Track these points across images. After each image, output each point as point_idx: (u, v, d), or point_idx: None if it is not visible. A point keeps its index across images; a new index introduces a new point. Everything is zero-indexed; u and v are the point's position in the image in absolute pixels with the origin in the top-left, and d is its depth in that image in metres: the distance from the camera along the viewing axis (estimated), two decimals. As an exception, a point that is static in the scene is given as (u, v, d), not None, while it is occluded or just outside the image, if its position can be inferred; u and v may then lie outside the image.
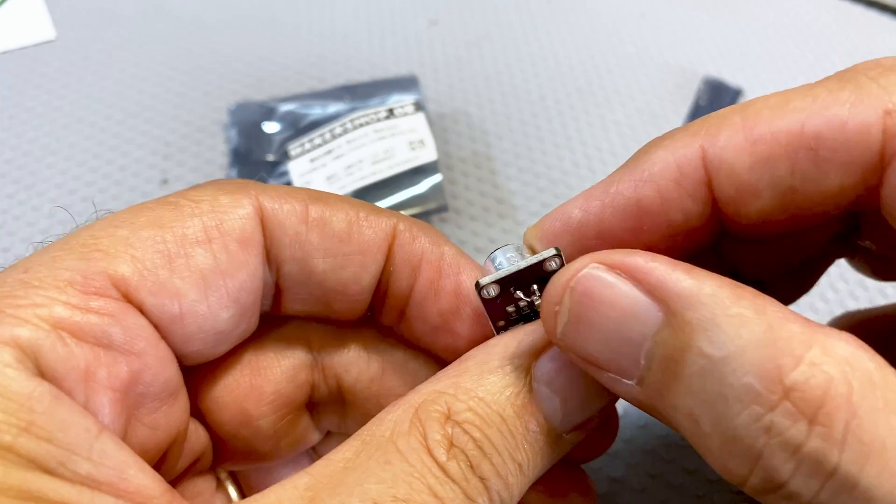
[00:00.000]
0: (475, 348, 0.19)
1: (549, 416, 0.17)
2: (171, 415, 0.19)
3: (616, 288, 0.16)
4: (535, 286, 0.19)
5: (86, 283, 0.16)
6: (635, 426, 0.33)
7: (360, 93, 0.46)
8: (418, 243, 0.21)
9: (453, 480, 0.16)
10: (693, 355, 0.14)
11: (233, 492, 0.23)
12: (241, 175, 0.42)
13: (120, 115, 0.46)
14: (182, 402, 0.19)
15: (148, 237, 0.18)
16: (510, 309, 0.19)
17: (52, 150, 0.44)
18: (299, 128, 0.44)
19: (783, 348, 0.14)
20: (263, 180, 0.42)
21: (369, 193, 0.39)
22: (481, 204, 0.42)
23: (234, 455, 0.22)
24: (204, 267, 0.18)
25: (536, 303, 0.19)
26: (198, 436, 0.21)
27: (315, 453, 0.24)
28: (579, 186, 0.43)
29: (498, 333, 0.20)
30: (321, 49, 0.51)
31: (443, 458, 0.16)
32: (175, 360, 0.18)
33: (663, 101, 0.48)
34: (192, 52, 0.50)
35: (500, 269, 0.19)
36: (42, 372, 0.15)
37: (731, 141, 0.17)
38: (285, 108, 0.45)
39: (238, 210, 0.19)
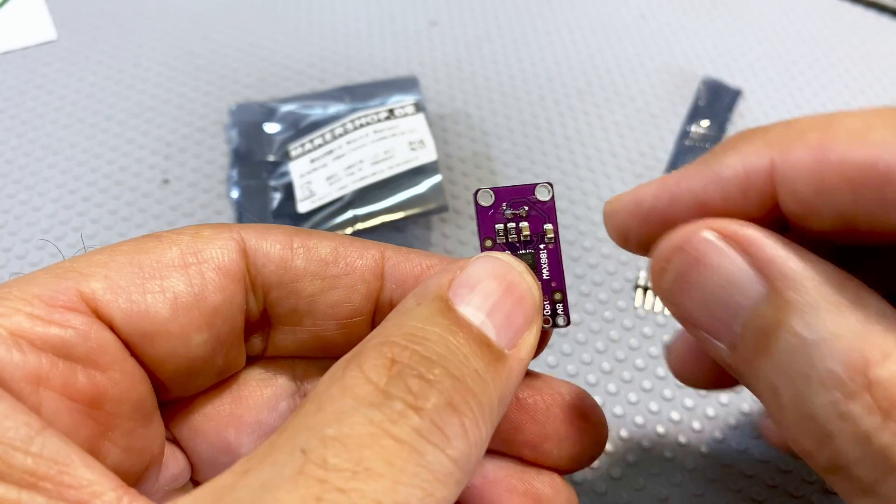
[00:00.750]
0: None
1: (483, 329, 0.17)
2: (145, 438, 0.18)
3: (725, 256, 0.17)
4: (524, 209, 0.20)
5: (53, 297, 0.16)
6: (633, 424, 0.33)
7: (360, 93, 0.46)
8: (413, 258, 0.21)
9: (395, 398, 0.14)
10: (786, 333, 0.15)
11: None
12: (242, 175, 0.42)
13: (121, 115, 0.46)
14: (157, 427, 0.19)
15: (124, 261, 0.18)
16: (499, 227, 0.21)
17: (53, 150, 0.44)
18: (300, 128, 0.44)
19: (874, 343, 0.14)
20: (265, 181, 0.42)
21: (369, 193, 0.40)
22: (481, 204, 0.42)
23: (214, 475, 0.22)
24: (177, 289, 0.18)
25: (523, 229, 0.20)
26: (175, 459, 0.20)
27: None
28: (579, 187, 0.43)
29: (482, 251, 0.20)
30: (322, 50, 0.51)
31: (383, 381, 0.15)
32: (147, 380, 0.18)
33: (663, 101, 0.48)
34: (192, 53, 0.50)
35: None
36: None
37: (802, 160, 0.16)
38: (286, 108, 0.45)
39: (218, 241, 0.19)
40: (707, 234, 0.17)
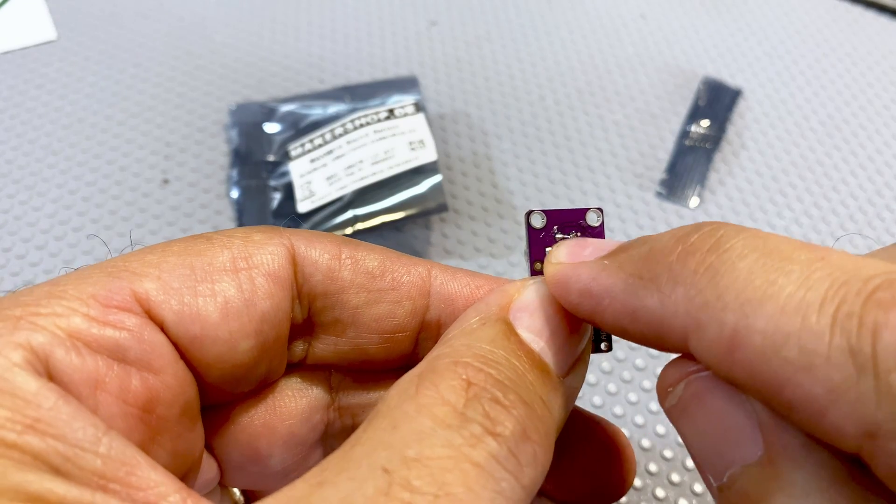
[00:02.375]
0: (451, 325, 0.19)
1: (542, 355, 0.17)
2: (190, 442, 0.18)
3: (730, 404, 0.15)
4: (575, 233, 0.20)
5: (108, 297, 0.16)
6: (634, 425, 0.33)
7: (360, 93, 0.46)
8: (460, 277, 0.21)
9: (472, 421, 0.14)
10: None
11: (236, 491, 0.23)
12: (242, 175, 0.42)
13: (120, 115, 0.46)
14: (200, 431, 0.19)
15: (176, 262, 0.18)
16: (549, 250, 0.20)
17: (53, 150, 0.44)
18: (300, 128, 0.44)
19: None
20: (265, 181, 0.42)
21: (369, 193, 0.40)
22: (481, 204, 0.42)
23: (241, 482, 0.22)
24: (228, 293, 0.18)
25: None
26: (209, 467, 0.20)
27: None
28: (579, 187, 0.43)
29: (532, 275, 0.20)
30: (321, 50, 0.51)
31: (460, 403, 0.15)
32: (195, 385, 0.18)
33: (663, 101, 0.48)
34: (192, 53, 0.50)
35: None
36: (52, 377, 0.15)
37: (711, 348, 0.15)
38: (286, 108, 0.45)
39: (269, 246, 0.19)
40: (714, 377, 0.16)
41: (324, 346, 0.21)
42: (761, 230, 0.15)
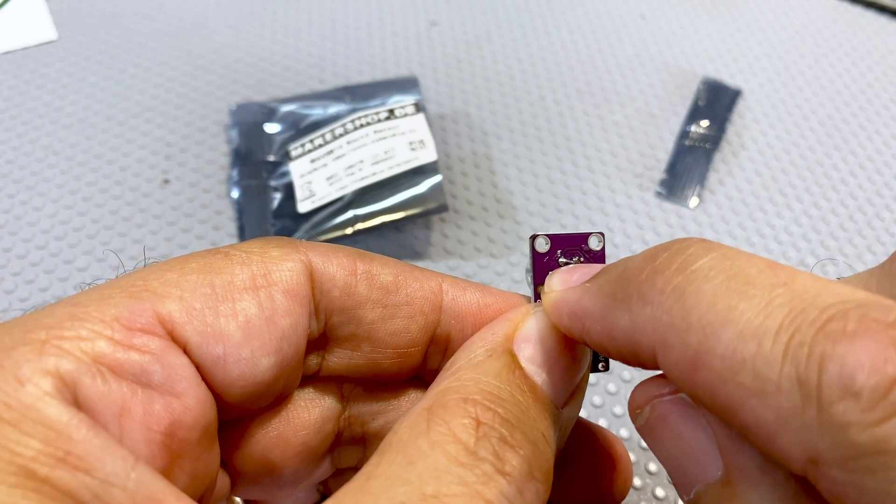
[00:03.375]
0: (455, 353, 0.19)
1: (543, 388, 0.18)
2: (208, 462, 0.18)
3: (690, 428, 0.16)
4: (577, 258, 0.21)
5: (131, 320, 0.16)
6: (632, 424, 0.33)
7: (360, 93, 0.46)
8: (470, 293, 0.21)
9: (484, 460, 0.15)
10: None
11: (239, 501, 0.23)
12: (243, 175, 0.42)
13: (121, 115, 0.46)
14: (217, 451, 0.19)
15: (196, 280, 0.18)
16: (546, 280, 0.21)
17: (53, 150, 0.44)
18: (300, 128, 0.44)
19: None
20: (265, 181, 0.42)
21: (369, 193, 0.40)
22: (481, 204, 0.42)
23: (251, 494, 0.22)
24: (249, 312, 0.18)
25: None
26: (222, 482, 0.20)
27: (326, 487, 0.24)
28: (578, 187, 0.43)
29: (535, 300, 0.21)
30: (322, 50, 0.51)
31: (471, 441, 0.15)
32: (215, 406, 0.18)
33: (662, 101, 0.48)
34: (192, 53, 0.50)
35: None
36: (79, 405, 0.15)
37: (676, 364, 0.15)
38: (286, 108, 0.45)
39: (286, 262, 0.19)
40: (682, 398, 0.16)
41: (338, 360, 0.21)
42: (731, 248, 0.15)
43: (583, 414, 0.23)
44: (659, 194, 0.43)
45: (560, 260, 0.21)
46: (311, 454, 0.21)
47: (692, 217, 0.42)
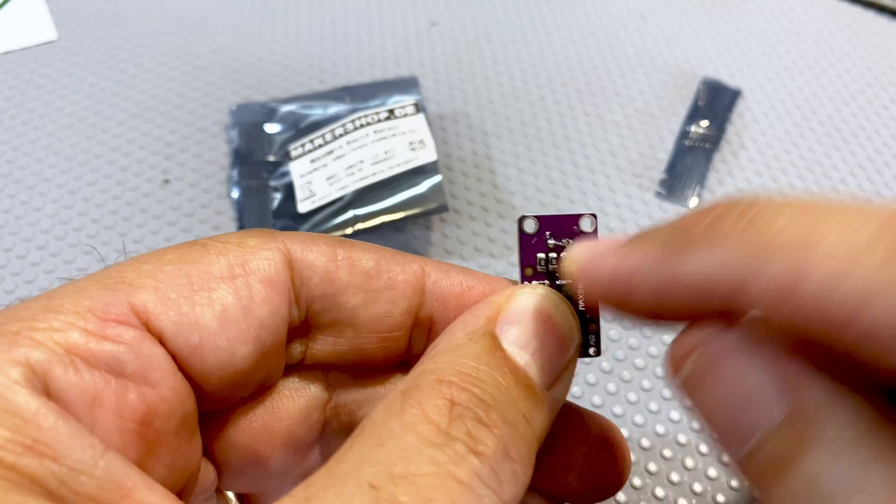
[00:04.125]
0: (437, 338, 0.19)
1: (527, 369, 0.17)
2: (189, 454, 0.18)
3: (749, 366, 0.15)
4: (566, 240, 0.20)
5: (105, 311, 0.16)
6: (633, 424, 0.33)
7: (360, 93, 0.46)
8: (454, 276, 0.21)
9: (456, 440, 0.15)
10: (801, 471, 0.14)
11: (232, 496, 0.23)
12: (243, 175, 0.42)
13: (121, 115, 0.46)
14: (197, 441, 0.19)
15: (172, 271, 0.18)
16: (540, 256, 0.20)
17: (53, 150, 0.44)
18: (300, 128, 0.44)
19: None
20: (265, 181, 0.42)
21: (369, 193, 0.40)
22: (481, 204, 0.42)
23: (238, 486, 0.22)
24: (225, 301, 0.18)
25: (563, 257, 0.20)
26: (207, 473, 0.20)
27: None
28: (579, 187, 0.43)
29: (522, 282, 0.20)
30: (322, 50, 0.51)
31: (444, 422, 0.15)
32: (193, 396, 0.18)
33: (662, 101, 0.48)
34: (192, 53, 0.50)
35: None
36: (50, 394, 0.15)
37: (769, 292, 0.14)
38: (286, 108, 0.45)
39: (264, 251, 0.19)
40: (735, 337, 0.15)
41: (321, 347, 0.21)
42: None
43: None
44: (659, 194, 0.43)
45: (549, 242, 0.20)
46: (297, 444, 0.21)
47: (692, 217, 0.42)
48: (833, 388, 0.14)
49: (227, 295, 0.18)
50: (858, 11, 0.55)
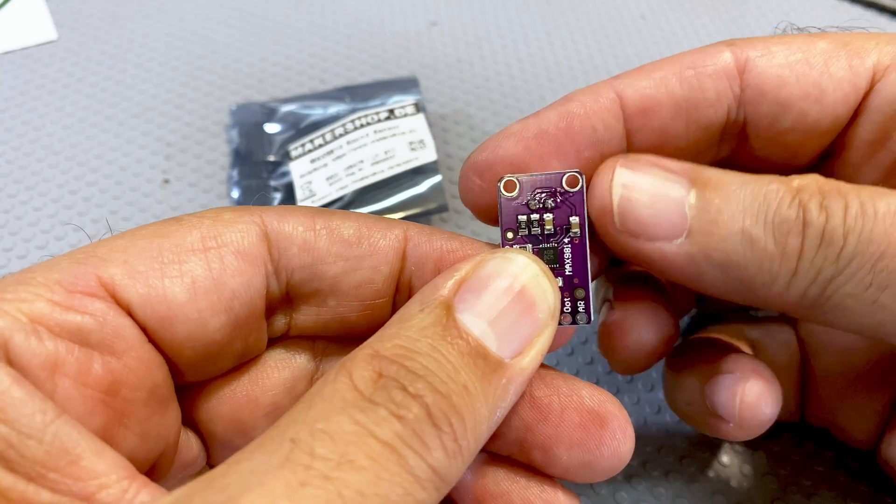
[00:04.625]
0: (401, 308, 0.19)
1: (482, 338, 0.17)
2: (161, 424, 0.18)
3: (643, 176, 0.20)
4: (551, 200, 0.20)
5: (73, 283, 0.17)
6: (634, 424, 0.33)
7: (360, 93, 0.46)
8: (435, 239, 0.21)
9: (379, 405, 0.15)
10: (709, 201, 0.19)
11: None
12: (243, 175, 0.42)
13: (121, 115, 0.46)
14: (173, 413, 0.19)
15: (144, 245, 0.18)
16: (521, 218, 0.20)
17: (53, 150, 0.44)
18: (300, 128, 0.44)
19: (770, 183, 0.19)
20: (265, 181, 0.42)
21: (369, 194, 0.40)
22: (481, 204, 0.42)
23: (226, 458, 0.22)
24: (195, 273, 0.18)
25: (547, 222, 0.20)
26: (189, 446, 0.20)
27: None
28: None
29: (503, 245, 0.20)
30: (322, 50, 0.51)
31: (369, 391, 0.15)
32: (164, 367, 0.18)
33: (663, 101, 0.48)
34: (193, 53, 0.50)
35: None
36: (11, 361, 0.15)
37: None
38: (286, 108, 0.45)
39: (238, 224, 0.19)
40: (622, 163, 0.20)
41: (305, 318, 0.21)
42: None
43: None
44: (659, 194, 0.43)
45: (531, 203, 0.19)
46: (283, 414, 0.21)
47: (692, 217, 0.42)
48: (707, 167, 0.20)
49: (197, 267, 0.18)
50: (858, 11, 0.55)
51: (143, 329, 0.18)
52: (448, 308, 0.17)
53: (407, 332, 0.17)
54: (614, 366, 0.26)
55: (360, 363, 0.16)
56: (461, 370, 0.16)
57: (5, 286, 0.16)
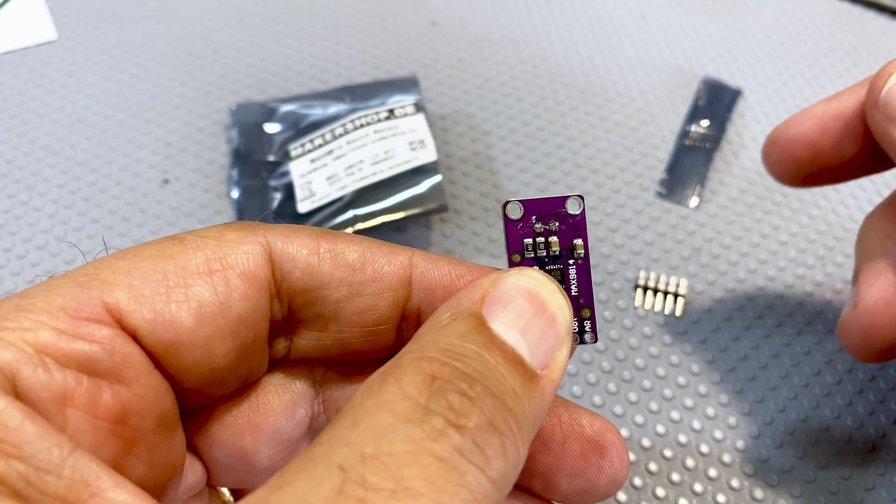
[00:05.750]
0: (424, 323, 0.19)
1: (516, 347, 0.17)
2: (169, 451, 0.18)
3: None
4: (554, 223, 0.20)
5: (78, 309, 0.16)
6: (634, 424, 0.33)
7: (360, 93, 0.46)
8: (442, 265, 0.20)
9: (434, 413, 0.14)
10: None
11: (226, 491, 0.23)
12: (243, 175, 0.42)
13: (121, 115, 0.46)
14: (179, 438, 0.19)
15: (148, 268, 0.17)
16: (527, 241, 0.20)
17: (53, 150, 0.44)
18: (300, 128, 0.44)
19: None
20: (265, 180, 0.42)
21: (369, 193, 0.40)
22: (481, 204, 0.42)
23: (229, 482, 0.21)
24: (202, 297, 0.18)
25: (553, 244, 0.20)
26: (193, 470, 0.20)
27: None
28: (580, 187, 0.43)
29: (510, 266, 0.20)
30: (322, 50, 0.51)
31: (423, 398, 0.14)
32: (171, 393, 0.18)
33: (663, 101, 0.48)
34: (192, 53, 0.50)
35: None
36: (18, 395, 0.15)
37: None
38: (286, 108, 0.45)
39: (243, 245, 0.19)
40: None
41: (306, 342, 0.20)
42: None
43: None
44: (660, 194, 0.43)
45: (536, 226, 0.20)
46: (284, 439, 0.21)
47: (693, 217, 0.42)
48: None
49: (203, 291, 0.18)
50: (858, 11, 0.55)
51: (150, 355, 0.17)
52: (480, 318, 0.17)
53: (447, 337, 0.16)
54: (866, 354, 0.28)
55: (407, 368, 0.15)
56: (507, 376, 0.16)
57: (5, 314, 0.15)
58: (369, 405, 0.15)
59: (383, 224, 0.39)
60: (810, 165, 0.28)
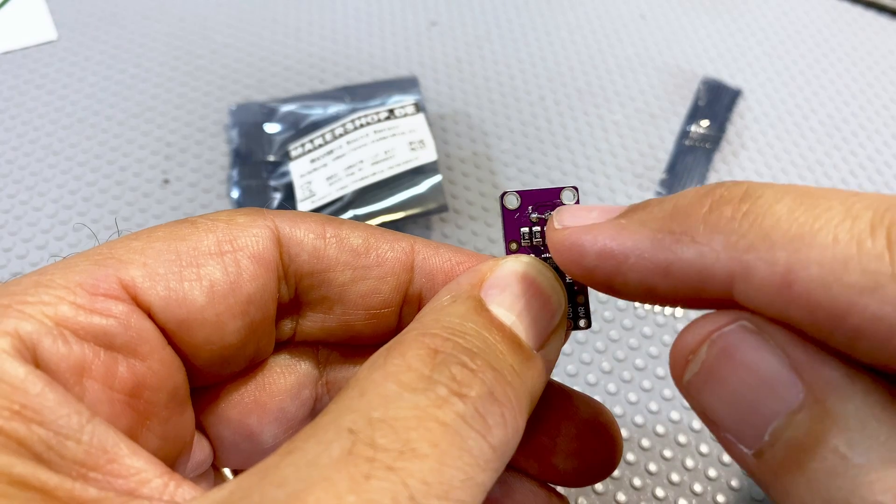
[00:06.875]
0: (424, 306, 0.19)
1: (514, 328, 0.17)
2: (180, 426, 0.19)
3: (762, 353, 0.15)
4: (549, 213, 0.20)
5: (95, 285, 0.17)
6: (633, 424, 0.33)
7: (360, 93, 0.46)
8: (443, 252, 0.21)
9: (438, 383, 0.15)
10: (826, 451, 0.13)
11: (230, 474, 0.23)
12: (242, 175, 0.42)
13: (121, 115, 0.46)
14: (189, 414, 0.19)
15: (161, 248, 0.18)
16: (524, 230, 0.21)
17: (53, 150, 0.44)
18: (300, 128, 0.44)
19: None
20: (265, 181, 0.42)
21: (369, 193, 0.40)
22: (481, 204, 0.42)
23: (234, 462, 0.22)
24: (213, 277, 0.18)
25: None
26: (201, 448, 0.21)
27: None
28: (579, 187, 0.43)
29: (507, 254, 0.21)
30: (322, 50, 0.51)
31: (426, 369, 0.15)
32: (183, 369, 0.19)
33: (663, 101, 0.48)
34: (192, 53, 0.50)
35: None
36: (39, 364, 0.15)
37: (764, 287, 0.14)
38: (286, 108, 0.45)
39: (252, 229, 0.19)
40: (744, 325, 0.15)
41: (311, 324, 0.21)
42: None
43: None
44: (659, 194, 0.43)
45: (532, 216, 0.20)
46: (289, 419, 0.21)
47: (692, 217, 0.42)
48: (843, 368, 0.14)
49: (215, 271, 0.18)
50: (858, 11, 0.55)
51: (163, 331, 0.18)
52: (479, 300, 0.18)
53: (447, 317, 0.17)
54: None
55: (411, 343, 0.16)
56: (506, 353, 0.17)
57: (25, 289, 0.16)
58: (375, 377, 0.15)
59: (383, 224, 0.39)
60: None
